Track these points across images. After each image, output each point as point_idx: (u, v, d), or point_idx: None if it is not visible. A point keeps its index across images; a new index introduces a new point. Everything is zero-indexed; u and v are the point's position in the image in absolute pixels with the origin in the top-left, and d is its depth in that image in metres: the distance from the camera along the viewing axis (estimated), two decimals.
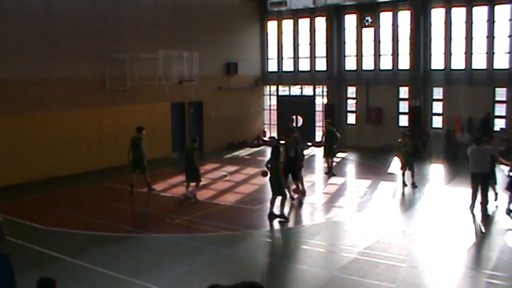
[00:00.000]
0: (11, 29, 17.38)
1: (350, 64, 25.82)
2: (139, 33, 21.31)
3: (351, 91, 25.92)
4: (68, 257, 10.50)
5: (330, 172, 18.61)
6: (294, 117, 21.76)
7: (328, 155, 18.69)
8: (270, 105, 28.61)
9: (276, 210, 13.06)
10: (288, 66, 27.71)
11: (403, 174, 16.64)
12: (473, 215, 13.11)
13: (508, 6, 21.59)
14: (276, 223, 12.83)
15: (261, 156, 23.91)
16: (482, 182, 13.10)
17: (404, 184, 16.52)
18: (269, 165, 13.19)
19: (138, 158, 16.09)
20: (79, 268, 9.94)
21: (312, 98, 26.94)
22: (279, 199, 13.16)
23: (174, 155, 22.87)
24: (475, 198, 13.21)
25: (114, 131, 20.18)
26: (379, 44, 24.74)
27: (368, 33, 25.02)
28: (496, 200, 13.81)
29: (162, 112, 22.41)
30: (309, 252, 11.21)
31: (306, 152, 19.17)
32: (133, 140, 16.19)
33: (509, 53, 21.54)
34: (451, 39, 22.84)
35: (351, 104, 25.92)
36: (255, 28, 27.76)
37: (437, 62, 23.43)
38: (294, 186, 15.29)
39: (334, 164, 19.26)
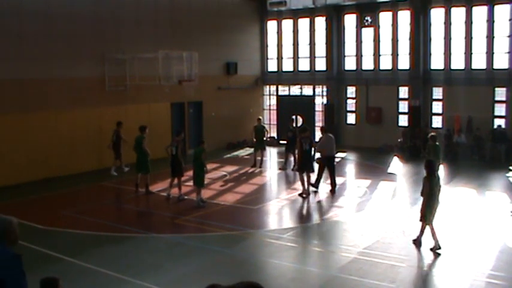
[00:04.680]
0: (11, 29, 17.38)
1: (350, 64, 25.82)
2: (139, 33, 21.30)
3: (351, 91, 25.91)
4: (67, 257, 10.51)
5: (256, 165, 20.15)
6: (294, 117, 21.75)
7: (257, 149, 20.40)
8: (269, 105, 28.62)
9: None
10: (287, 66, 27.71)
11: None
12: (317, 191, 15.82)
13: (507, 6, 21.56)
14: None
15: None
16: (333, 163, 16.18)
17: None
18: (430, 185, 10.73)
19: (141, 158, 16.09)
20: (79, 268, 9.96)
21: (312, 98, 26.95)
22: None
23: None
24: (321, 177, 16.08)
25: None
26: (379, 44, 24.73)
27: (368, 33, 25.01)
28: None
29: (161, 112, 22.40)
30: (309, 252, 11.23)
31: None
32: (136, 139, 16.22)
33: (509, 53, 21.52)
34: (450, 39, 22.83)
35: (351, 104, 25.91)
36: (255, 28, 27.76)
37: (437, 62, 23.41)
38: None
39: (264, 158, 20.82)
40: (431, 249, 10.63)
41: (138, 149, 16.13)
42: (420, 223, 10.81)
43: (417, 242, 10.90)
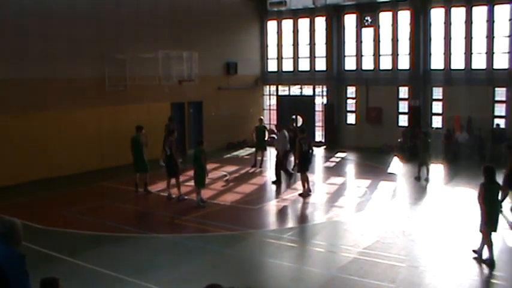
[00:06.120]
0: (11, 29, 17.37)
1: (350, 64, 25.82)
2: (139, 33, 21.29)
3: (351, 91, 25.91)
4: (68, 257, 10.51)
5: (257, 165, 20.27)
6: (294, 117, 21.75)
7: (258, 149, 20.64)
8: (269, 105, 28.62)
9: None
10: (287, 66, 27.71)
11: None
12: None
13: (507, 6, 21.56)
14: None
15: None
16: (286, 157, 17.87)
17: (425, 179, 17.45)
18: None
19: (138, 158, 16.09)
20: (79, 268, 9.95)
21: (312, 98, 26.94)
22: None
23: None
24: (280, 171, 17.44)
25: (114, 131, 20.16)
26: (379, 43, 24.73)
27: (368, 33, 25.01)
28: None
29: (161, 112, 22.36)
30: (309, 252, 11.23)
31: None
32: (132, 139, 16.20)
33: (509, 53, 21.52)
34: (450, 39, 22.82)
35: (351, 104, 25.91)
36: (255, 28, 27.76)
37: (437, 62, 23.41)
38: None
39: (265, 158, 20.90)
40: (484, 262, 9.87)
41: (135, 149, 16.10)
42: (481, 234, 9.98)
43: (479, 255, 10.03)
